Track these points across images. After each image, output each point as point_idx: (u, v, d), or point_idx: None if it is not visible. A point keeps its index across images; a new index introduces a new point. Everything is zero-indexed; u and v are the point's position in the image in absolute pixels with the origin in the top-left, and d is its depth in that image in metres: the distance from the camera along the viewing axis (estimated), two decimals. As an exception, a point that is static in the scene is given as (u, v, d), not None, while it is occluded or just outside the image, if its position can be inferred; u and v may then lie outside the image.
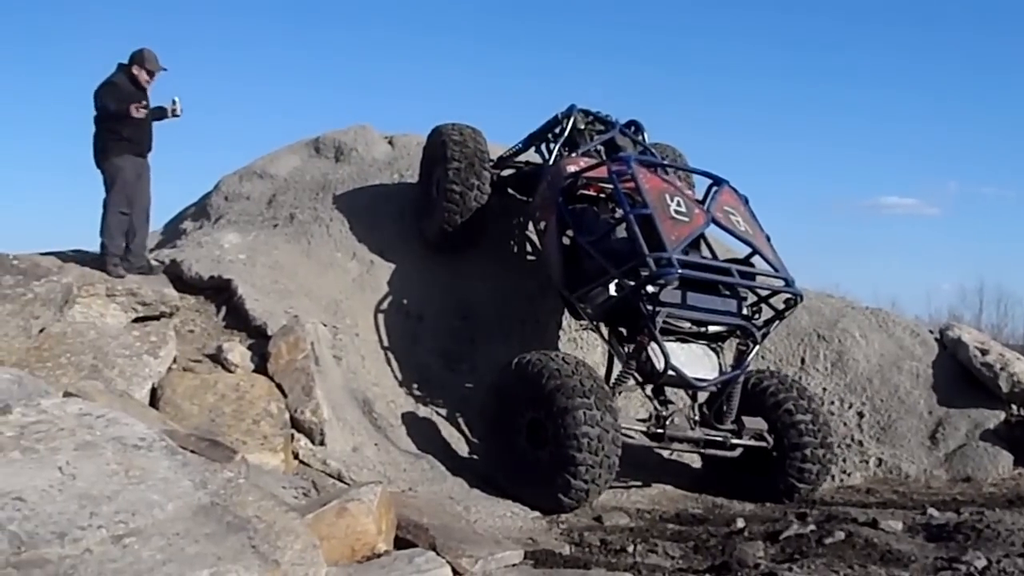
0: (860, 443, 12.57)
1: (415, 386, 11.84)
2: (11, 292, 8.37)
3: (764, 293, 10.99)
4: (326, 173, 15.11)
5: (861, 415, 12.95)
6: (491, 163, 13.41)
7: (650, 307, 10.10)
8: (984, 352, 13.33)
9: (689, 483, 11.39)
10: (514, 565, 7.20)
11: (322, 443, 9.49)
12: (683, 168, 12.74)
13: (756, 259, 11.06)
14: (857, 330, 13.98)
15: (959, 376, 13.41)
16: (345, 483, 8.93)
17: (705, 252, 11.51)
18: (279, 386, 9.70)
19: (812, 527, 8.66)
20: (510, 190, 13.88)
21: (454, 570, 6.50)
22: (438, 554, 6.50)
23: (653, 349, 10.12)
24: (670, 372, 10.08)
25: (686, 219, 10.49)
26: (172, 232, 15.65)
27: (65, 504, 4.42)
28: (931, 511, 9.57)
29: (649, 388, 10.68)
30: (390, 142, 15.62)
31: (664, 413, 10.41)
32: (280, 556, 4.67)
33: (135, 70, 10.64)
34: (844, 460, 12.29)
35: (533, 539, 8.46)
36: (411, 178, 14.36)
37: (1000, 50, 75.22)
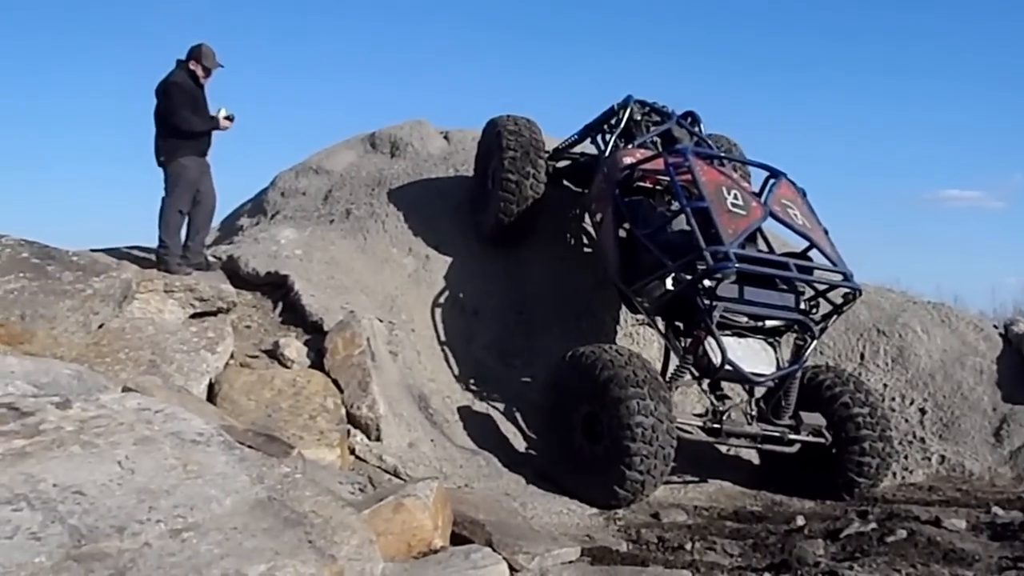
0: (922, 440, 12.46)
1: (471, 381, 11.90)
2: (71, 288, 8.45)
3: (822, 287, 10.93)
4: (382, 168, 15.18)
5: (923, 412, 12.84)
6: (547, 154, 13.40)
7: (707, 301, 10.09)
8: (1051, 347, 13.25)
9: (747, 480, 11.33)
10: (571, 562, 7.22)
11: (378, 439, 9.54)
12: (740, 160, 12.73)
13: (814, 253, 10.96)
14: (919, 325, 13.88)
15: (1024, 372, 13.34)
16: (401, 479, 8.98)
17: (762, 246, 11.55)
18: (335, 382, 9.78)
19: (873, 525, 8.62)
20: (565, 181, 13.93)
21: (510, 566, 6.53)
22: (494, 550, 6.53)
23: (710, 344, 10.09)
24: (727, 367, 10.03)
25: (743, 212, 10.45)
26: (229, 228, 15.75)
27: (124, 498, 4.48)
28: (995, 509, 9.51)
29: (706, 383, 10.60)
30: (446, 137, 15.68)
31: (721, 408, 10.37)
32: (337, 551, 4.71)
33: (192, 66, 10.74)
34: (906, 457, 12.18)
35: (590, 536, 8.48)
36: (467, 173, 14.43)
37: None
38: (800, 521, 9.09)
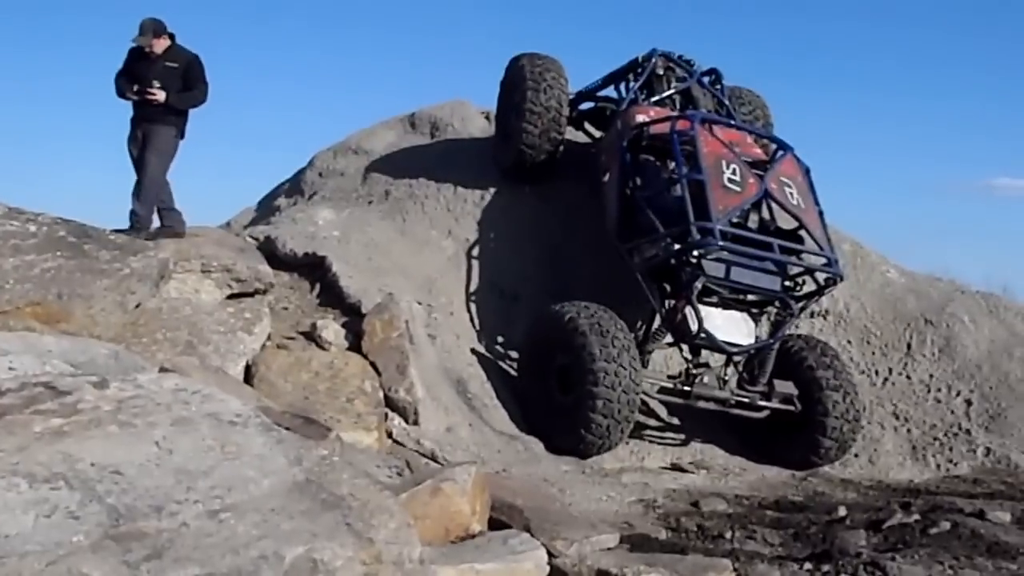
0: (968, 432, 12.45)
1: (511, 366, 11.92)
2: (108, 267, 8.48)
3: (803, 269, 11.39)
4: (422, 149, 15.21)
5: (969, 403, 12.83)
6: (570, 95, 13.66)
7: (689, 271, 10.65)
8: (1100, 339, 13.20)
9: (789, 469, 11.51)
10: (610, 549, 7.23)
11: (416, 422, 9.60)
12: (748, 129, 12.83)
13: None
14: (966, 315, 13.87)
15: (1073, 364, 13.29)
16: (439, 463, 9.02)
17: (765, 214, 11.76)
18: (373, 364, 9.83)
19: (916, 517, 8.60)
20: (587, 124, 14.37)
21: (549, 552, 6.55)
22: (533, 536, 6.55)
23: (689, 311, 10.66)
24: (702, 335, 10.69)
25: (738, 189, 10.91)
26: (266, 209, 15.85)
27: (162, 478, 4.52)
28: (1042, 503, 9.50)
29: (686, 348, 11.24)
30: (487, 117, 15.70)
31: (695, 371, 10.99)
32: (375, 534, 4.74)
33: None
34: (951, 449, 12.21)
35: (629, 523, 8.49)
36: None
37: None
38: (842, 511, 9.08)
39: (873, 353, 13.32)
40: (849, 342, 13.54)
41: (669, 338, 11.21)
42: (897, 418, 12.66)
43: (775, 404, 11.31)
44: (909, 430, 12.51)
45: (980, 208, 67.57)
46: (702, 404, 11.13)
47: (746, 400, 11.17)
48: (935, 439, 12.40)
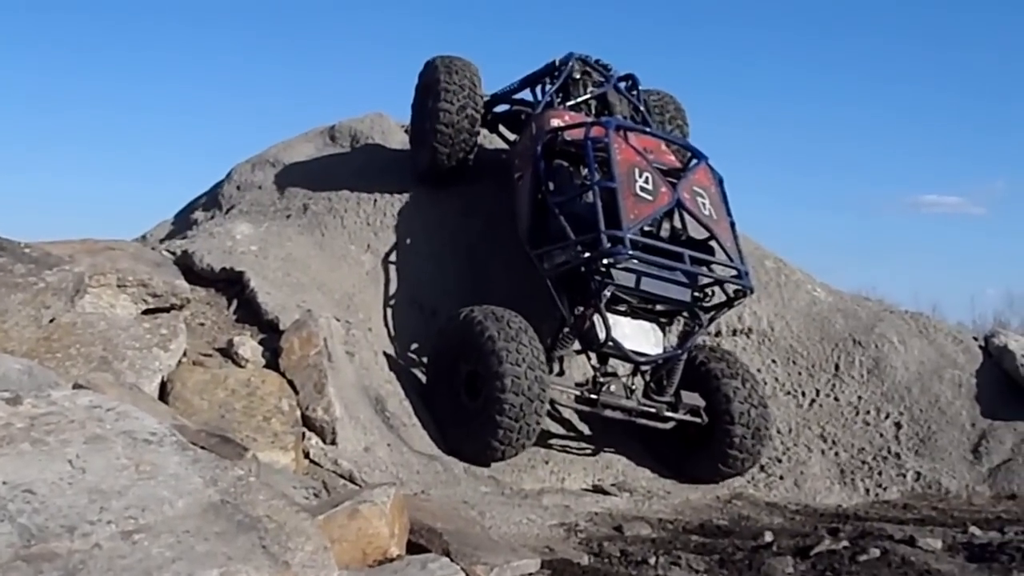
0: (897, 455, 12.62)
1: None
2: (23, 281, 8.47)
3: (712, 280, 11.62)
4: (341, 163, 15.26)
5: (899, 426, 13.01)
6: (484, 96, 13.90)
7: (598, 279, 10.80)
8: (1032, 361, 13.40)
9: (714, 493, 11.63)
10: (531, 574, 7.31)
11: (333, 442, 9.62)
12: (665, 137, 13.03)
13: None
14: (896, 336, 14.05)
15: (1005, 386, 13.49)
16: (356, 484, 9.06)
17: (677, 223, 11.86)
18: (291, 382, 9.83)
19: (845, 543, 8.71)
20: (502, 128, 14.60)
21: (469, 577, 6.62)
22: (452, 560, 6.61)
23: (597, 320, 10.88)
24: (610, 343, 10.90)
25: (650, 197, 11.09)
26: (183, 222, 15.83)
27: (75, 498, 4.57)
28: (973, 529, 9.60)
29: (594, 356, 11.48)
30: (407, 131, 15.75)
31: (602, 380, 11.16)
32: (291, 557, 4.81)
33: None
34: (880, 474, 12.36)
35: (550, 547, 8.56)
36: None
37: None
38: (768, 537, 9.18)
39: (799, 374, 13.50)
40: (774, 362, 13.72)
41: (578, 346, 11.49)
42: (824, 441, 12.82)
43: (682, 415, 11.56)
44: (837, 453, 12.67)
45: (908, 226, 68.08)
46: (608, 413, 11.30)
47: (653, 410, 11.38)
48: (864, 463, 12.56)
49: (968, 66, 76.67)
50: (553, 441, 11.90)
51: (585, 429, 12.25)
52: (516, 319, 10.79)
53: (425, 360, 12.17)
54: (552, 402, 11.06)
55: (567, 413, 12.21)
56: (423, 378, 12.02)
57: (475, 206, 13.86)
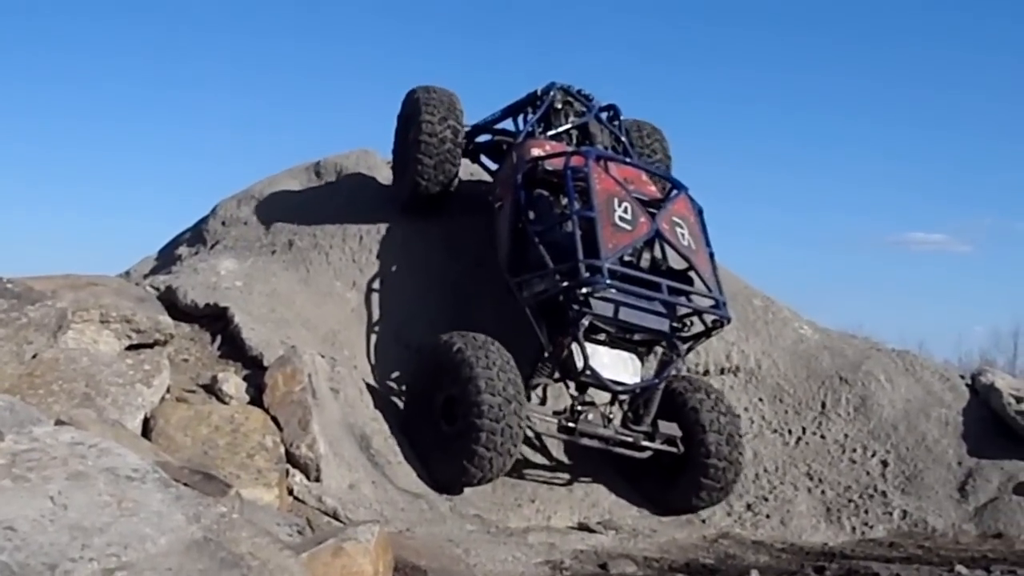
0: (883, 494, 12.61)
1: (414, 420, 11.88)
2: (5, 316, 8.46)
3: (690, 310, 11.73)
4: (327, 199, 15.26)
5: (885, 464, 13.00)
6: (466, 127, 13.98)
7: (576, 308, 10.88)
8: (1019, 400, 13.37)
9: (700, 532, 11.65)
10: (515, 611, 7.30)
11: (318, 479, 9.60)
12: (646, 168, 13.14)
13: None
14: (882, 373, 14.07)
15: (991, 425, 13.49)
16: (341, 522, 9.03)
17: (657, 253, 12.07)
18: (275, 419, 9.80)
19: (831, 582, 8.72)
20: (483, 157, 14.71)
21: (453, 615, 6.60)
22: (436, 597, 6.61)
23: (575, 349, 10.92)
24: (587, 372, 10.91)
25: (629, 227, 11.23)
26: (167, 257, 15.79)
27: (57, 535, 4.55)
28: (959, 568, 9.62)
29: (572, 384, 11.53)
30: (392, 166, 15.77)
31: (580, 408, 11.20)
32: (274, 595, 4.78)
33: None
34: (866, 512, 12.34)
35: (535, 586, 8.56)
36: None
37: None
38: (754, 575, 9.19)
39: (786, 412, 13.50)
40: (761, 400, 13.72)
41: (557, 374, 11.57)
42: (811, 479, 12.82)
43: (658, 445, 11.59)
44: (823, 491, 12.67)
45: (894, 263, 68.62)
46: (586, 442, 11.36)
47: (630, 439, 11.43)
48: (850, 501, 12.56)
49: (953, 105, 77.09)
50: (539, 479, 11.88)
51: (572, 467, 12.23)
52: (494, 345, 10.82)
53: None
54: (537, 435, 11.23)
55: (555, 452, 12.21)
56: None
57: (460, 242, 13.86)
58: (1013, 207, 76.22)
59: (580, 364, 10.95)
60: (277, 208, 15.37)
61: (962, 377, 14.64)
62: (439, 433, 10.96)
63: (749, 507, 12.33)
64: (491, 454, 10.35)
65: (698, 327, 11.84)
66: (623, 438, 11.39)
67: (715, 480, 11.62)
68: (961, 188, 76.35)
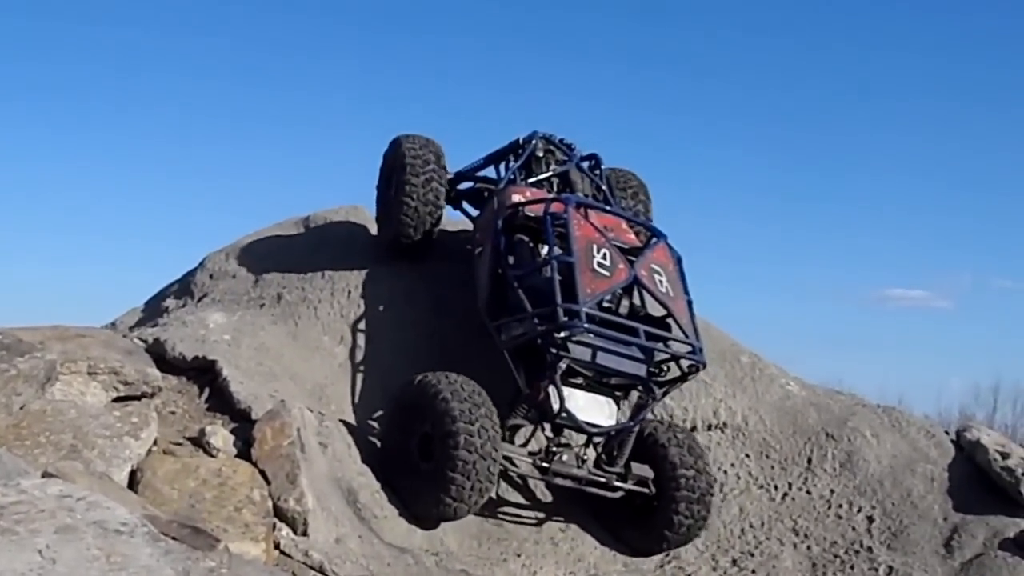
0: (869, 549, 12.60)
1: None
2: (-6, 368, 8.50)
3: (668, 356, 11.87)
4: (315, 253, 15.27)
5: (871, 520, 13.01)
6: (448, 173, 14.11)
7: (554, 351, 10.99)
8: (1005, 456, 13.41)
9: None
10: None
11: (305, 533, 9.57)
12: (625, 216, 13.27)
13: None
14: (868, 429, 14.09)
15: (977, 481, 13.50)
16: (327, 576, 9.04)
17: (636, 300, 12.25)
18: (263, 473, 9.78)
19: (817, 637, 8.70)
20: (465, 204, 14.77)
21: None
22: (422, 652, 6.60)
23: (552, 391, 11.00)
24: (563, 414, 11.04)
25: (607, 273, 11.33)
26: (154, 310, 15.77)
27: (45, 589, 4.56)
28: (945, 625, 9.63)
29: (548, 426, 11.62)
30: (376, 216, 15.79)
31: (555, 449, 11.38)
32: (261, 648, 4.80)
33: None
34: (852, 568, 12.34)
35: (520, 642, 8.55)
36: (401, 262, 14.49)
37: (1017, 136, 74.82)
38: (738, 628, 9.19)
39: (772, 467, 13.51)
40: (748, 456, 13.72)
41: (534, 415, 11.64)
42: (797, 534, 12.82)
43: (630, 485, 11.74)
44: (809, 547, 12.67)
45: (874, 318, 68.81)
46: (559, 481, 11.52)
47: (603, 480, 11.60)
48: (836, 556, 12.56)
49: (932, 159, 77.22)
50: (524, 533, 11.87)
51: (558, 519, 12.22)
52: (469, 383, 10.95)
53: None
54: (524, 485, 11.34)
55: (541, 504, 12.21)
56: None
57: (448, 297, 13.86)
58: (992, 264, 76.57)
59: (556, 407, 11.04)
60: (266, 261, 15.36)
61: (947, 433, 14.67)
62: (415, 469, 11.03)
63: (735, 562, 12.33)
64: (467, 485, 10.42)
65: (675, 372, 11.93)
66: (596, 479, 11.57)
67: (687, 515, 11.71)
68: (940, 244, 76.55)
